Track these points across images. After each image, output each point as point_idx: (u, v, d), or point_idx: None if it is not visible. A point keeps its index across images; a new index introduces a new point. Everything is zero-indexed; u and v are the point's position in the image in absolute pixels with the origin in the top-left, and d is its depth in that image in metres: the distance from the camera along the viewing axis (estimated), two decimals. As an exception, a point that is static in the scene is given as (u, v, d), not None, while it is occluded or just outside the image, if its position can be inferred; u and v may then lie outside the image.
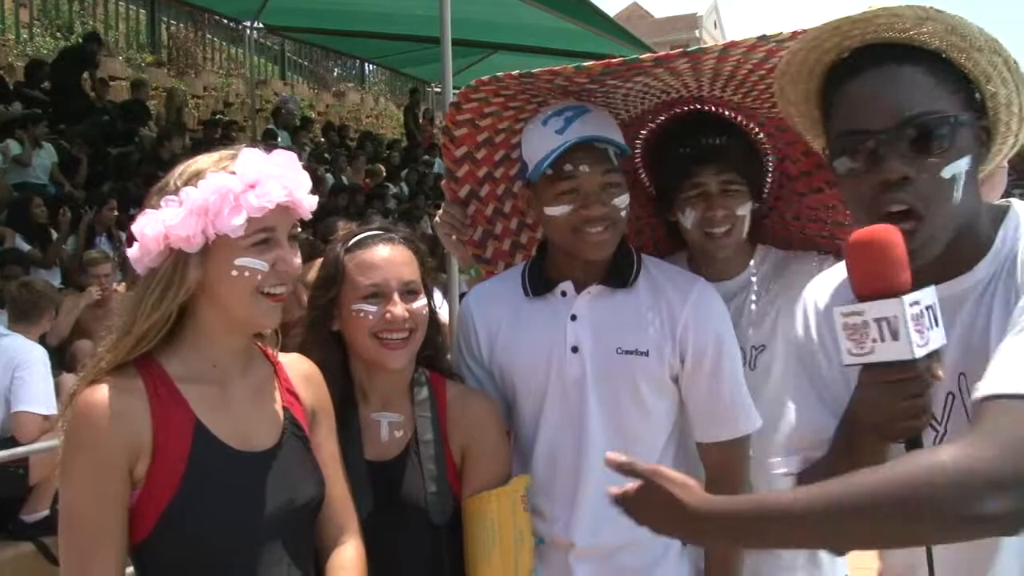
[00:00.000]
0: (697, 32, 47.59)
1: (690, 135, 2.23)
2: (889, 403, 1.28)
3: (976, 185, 1.39)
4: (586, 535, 2.07)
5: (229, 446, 1.65)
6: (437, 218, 2.42)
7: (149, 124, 12.72)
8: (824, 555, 2.22)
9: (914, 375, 1.27)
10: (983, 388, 1.23)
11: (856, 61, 1.38)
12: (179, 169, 1.67)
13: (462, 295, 6.19)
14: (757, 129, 2.30)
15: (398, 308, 1.95)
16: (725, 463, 2.10)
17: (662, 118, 2.32)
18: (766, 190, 2.38)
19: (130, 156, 10.69)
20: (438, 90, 17.17)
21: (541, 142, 2.04)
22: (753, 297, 2.30)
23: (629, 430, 2.06)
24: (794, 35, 1.69)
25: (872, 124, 1.34)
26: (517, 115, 2.22)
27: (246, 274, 1.63)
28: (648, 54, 1.93)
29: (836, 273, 1.60)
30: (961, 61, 1.35)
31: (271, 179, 1.63)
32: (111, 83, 13.16)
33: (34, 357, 5.12)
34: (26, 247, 7.92)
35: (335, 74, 22.00)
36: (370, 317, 1.95)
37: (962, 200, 1.35)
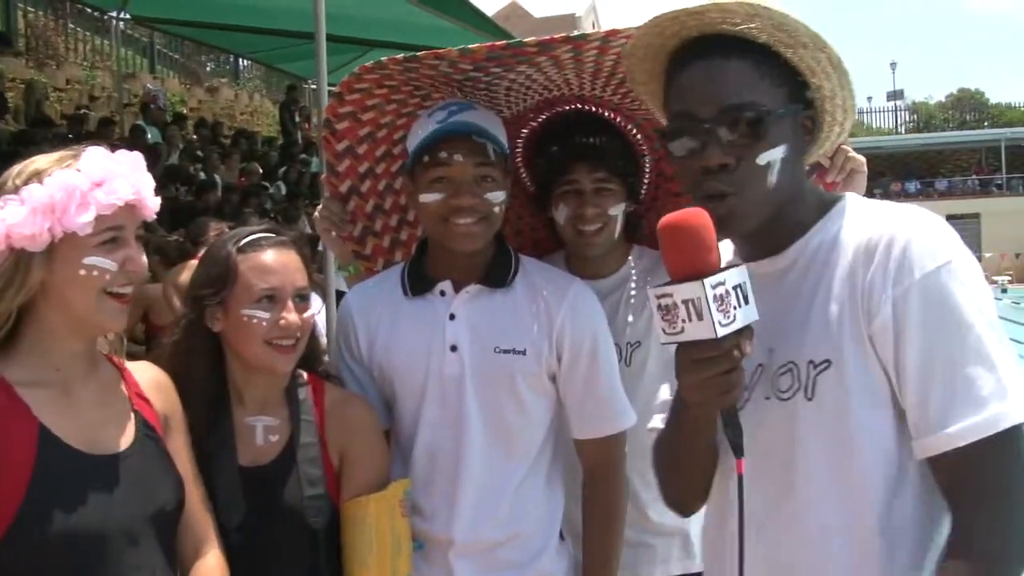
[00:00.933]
0: (575, 33, 48.31)
1: (567, 133, 2.28)
2: (701, 379, 1.35)
3: (796, 172, 1.49)
4: (465, 531, 2.07)
5: (78, 450, 1.61)
6: (317, 213, 2.39)
7: (6, 118, 12.13)
8: (699, 545, 2.25)
9: (721, 352, 1.33)
10: (946, 435, 1.34)
11: (691, 50, 1.46)
12: (16, 168, 1.64)
13: (339, 294, 6.11)
14: (635, 130, 2.35)
15: (292, 315, 1.92)
16: (602, 459, 2.14)
17: (543, 116, 2.35)
18: (643, 190, 2.43)
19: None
20: (315, 87, 16.94)
21: (423, 130, 2.05)
22: (630, 295, 2.36)
23: (507, 428, 2.08)
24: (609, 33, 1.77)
25: (698, 111, 1.43)
26: (400, 109, 2.22)
27: (94, 273, 1.62)
28: (532, 38, 1.92)
29: None
30: (788, 56, 1.43)
31: (118, 177, 1.62)
32: (-36, 74, 12.51)
33: None
34: None
35: (208, 69, 21.47)
36: (264, 323, 1.90)
37: (777, 184, 1.44)
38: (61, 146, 1.70)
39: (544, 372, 2.09)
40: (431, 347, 2.08)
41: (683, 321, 1.34)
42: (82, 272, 1.60)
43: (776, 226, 1.49)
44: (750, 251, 1.53)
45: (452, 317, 2.08)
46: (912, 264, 1.37)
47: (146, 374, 1.81)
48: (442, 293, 2.11)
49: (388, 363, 2.13)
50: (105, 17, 15.35)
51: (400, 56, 2.01)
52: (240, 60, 21.19)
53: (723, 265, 1.36)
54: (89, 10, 16.31)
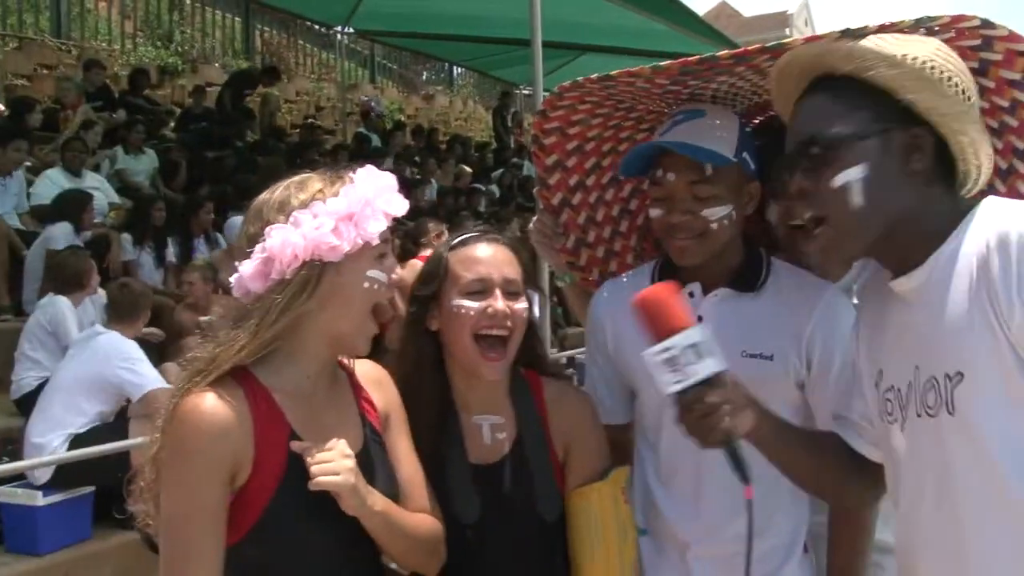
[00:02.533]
0: (788, 31, 46.81)
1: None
2: (687, 425, 1.54)
3: (900, 187, 1.50)
4: (706, 538, 2.06)
5: None
6: (531, 226, 2.41)
7: (249, 129, 13.03)
8: None
9: (688, 403, 1.52)
10: None
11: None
12: (293, 187, 1.72)
13: (556, 297, 6.15)
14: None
15: (500, 303, 1.94)
16: None
17: (758, 120, 2.25)
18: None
19: (226, 160, 10.97)
20: (527, 92, 17.21)
21: (646, 143, 2.06)
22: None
23: None
24: (881, 28, 1.66)
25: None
26: (606, 122, 2.21)
27: (375, 286, 1.70)
28: (726, 51, 1.87)
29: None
30: (867, 77, 1.50)
31: (389, 191, 1.72)
32: (208, 89, 13.53)
33: (132, 348, 5.44)
34: (135, 253, 8.16)
35: (424, 77, 22.22)
36: (471, 312, 1.93)
37: (866, 204, 1.48)
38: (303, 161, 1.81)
39: (792, 379, 2.03)
40: None
41: (662, 376, 1.54)
42: (365, 284, 1.69)
43: (903, 242, 1.52)
44: (889, 267, 1.58)
45: (699, 319, 2.01)
46: None
47: (369, 373, 1.88)
48: (691, 295, 2.07)
49: (632, 365, 2.10)
50: (331, 32, 16.18)
51: (595, 76, 2.01)
52: (454, 68, 21.82)
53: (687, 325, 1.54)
54: (316, 26, 17.25)
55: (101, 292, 6.39)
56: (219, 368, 1.62)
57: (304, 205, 1.67)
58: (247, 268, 1.66)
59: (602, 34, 12.71)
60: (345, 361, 1.85)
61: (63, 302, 6.10)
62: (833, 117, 1.50)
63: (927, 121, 1.50)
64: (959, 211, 1.52)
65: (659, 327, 1.55)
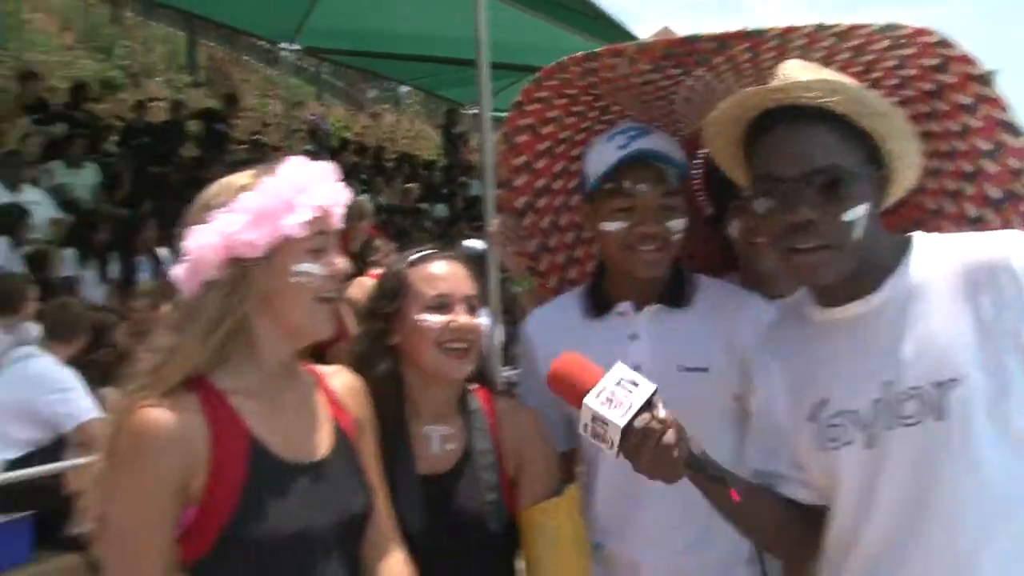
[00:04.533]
0: (752, 28, 47.48)
1: None
2: (648, 460, 1.56)
3: (875, 222, 1.61)
4: (654, 555, 2.07)
5: (284, 459, 1.66)
6: (491, 227, 2.40)
7: (187, 145, 12.88)
8: None
9: (642, 431, 1.55)
10: None
11: (774, 117, 1.59)
12: (217, 186, 1.70)
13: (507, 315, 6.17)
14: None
15: (463, 317, 1.98)
16: None
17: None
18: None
19: (168, 176, 10.81)
20: (474, 112, 17.24)
21: (603, 156, 2.06)
22: None
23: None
24: (852, 28, 1.74)
25: (783, 172, 1.56)
26: (579, 123, 2.21)
27: (305, 280, 1.66)
28: (708, 31, 1.89)
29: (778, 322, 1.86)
30: (863, 123, 1.56)
31: (321, 183, 1.68)
32: (150, 104, 13.34)
33: (64, 376, 5.22)
34: (76, 269, 8.01)
35: (371, 96, 22.16)
36: (435, 327, 1.97)
37: (862, 238, 1.56)
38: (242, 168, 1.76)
39: (728, 390, 2.05)
40: None
41: (606, 433, 1.57)
42: (293, 280, 1.65)
43: (859, 271, 1.59)
44: (833, 297, 1.64)
45: (634, 337, 2.08)
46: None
47: (342, 380, 1.86)
48: (621, 313, 2.11)
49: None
50: (277, 48, 16.08)
51: (580, 54, 2.01)
52: (401, 87, 21.80)
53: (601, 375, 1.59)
54: (262, 43, 17.12)
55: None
56: (167, 381, 1.59)
57: (222, 204, 1.64)
58: (178, 270, 1.65)
59: (548, 56, 12.52)
60: (312, 366, 1.83)
61: None
62: (842, 153, 1.55)
63: (885, 161, 1.61)
64: (896, 241, 1.65)
65: (583, 386, 1.61)
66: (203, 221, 1.64)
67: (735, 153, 1.71)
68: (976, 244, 1.60)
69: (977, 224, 1.95)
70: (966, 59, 1.79)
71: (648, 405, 1.57)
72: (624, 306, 2.11)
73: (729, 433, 2.06)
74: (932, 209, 1.91)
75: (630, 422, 1.55)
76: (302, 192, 1.64)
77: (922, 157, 1.65)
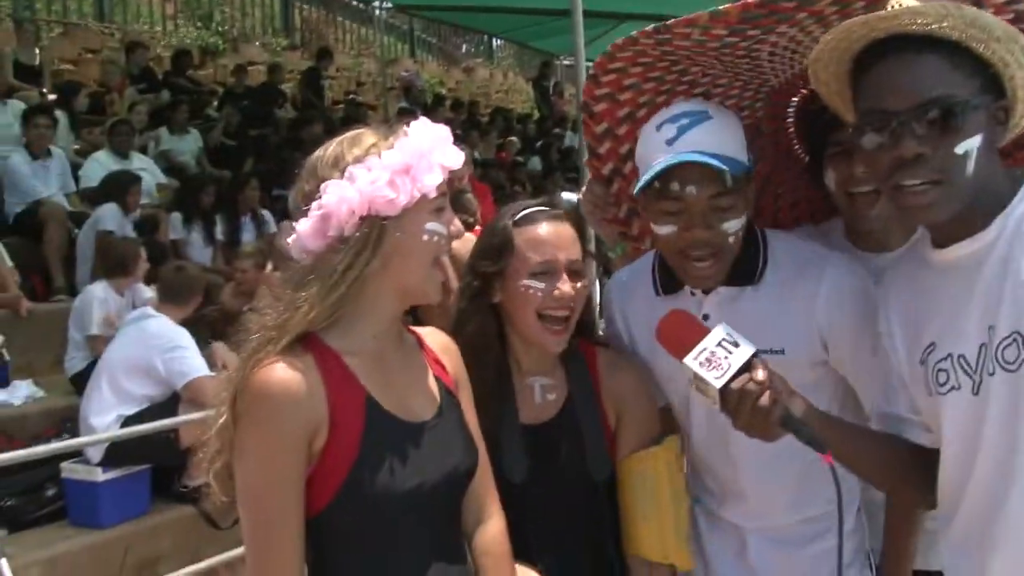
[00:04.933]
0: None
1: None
2: (743, 421, 1.59)
3: (992, 159, 1.54)
4: (752, 518, 2.09)
5: (398, 417, 1.68)
6: (580, 196, 2.37)
7: (286, 106, 13.10)
8: None
9: (736, 394, 1.58)
10: None
11: (883, 48, 1.52)
12: (345, 143, 1.69)
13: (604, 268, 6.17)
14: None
15: (566, 286, 1.96)
16: None
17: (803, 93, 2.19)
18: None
19: (268, 138, 11.03)
20: (568, 63, 17.07)
21: (650, 151, 1.94)
22: None
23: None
24: None
25: (892, 105, 1.50)
26: (658, 87, 2.12)
27: (435, 239, 1.67)
28: None
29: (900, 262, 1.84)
30: (980, 50, 1.48)
31: (445, 143, 1.68)
32: (249, 68, 13.59)
33: (179, 335, 5.45)
34: (183, 232, 8.28)
35: (463, 50, 22.15)
36: (539, 294, 1.96)
37: (975, 173, 1.49)
38: (341, 131, 1.76)
39: (807, 365, 1.98)
40: None
41: (703, 388, 1.62)
42: (424, 237, 1.66)
43: (972, 209, 1.53)
44: (945, 235, 1.59)
45: (706, 318, 1.99)
46: None
47: (437, 339, 1.87)
48: (692, 293, 2.05)
49: (647, 362, 2.13)
50: (369, 7, 16.18)
51: (651, 28, 1.93)
52: (494, 40, 21.70)
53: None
54: (355, 2, 17.26)
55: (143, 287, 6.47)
56: (288, 334, 1.60)
57: (358, 160, 1.63)
58: (304, 226, 1.63)
59: (643, 1, 12.54)
60: (410, 327, 1.85)
61: (93, 290, 6.22)
62: (955, 82, 1.48)
63: (1006, 89, 1.53)
64: (1014, 177, 1.58)
65: (686, 345, 1.64)
66: (333, 177, 1.64)
67: (842, 90, 1.64)
68: None
69: None
70: None
71: (747, 367, 1.60)
72: (692, 290, 2.05)
73: (819, 398, 1.95)
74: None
75: (727, 383, 1.58)
76: (434, 151, 1.65)
77: None
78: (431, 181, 1.63)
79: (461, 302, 2.05)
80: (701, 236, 1.89)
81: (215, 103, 12.39)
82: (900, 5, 1.53)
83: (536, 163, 14.34)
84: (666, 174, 1.87)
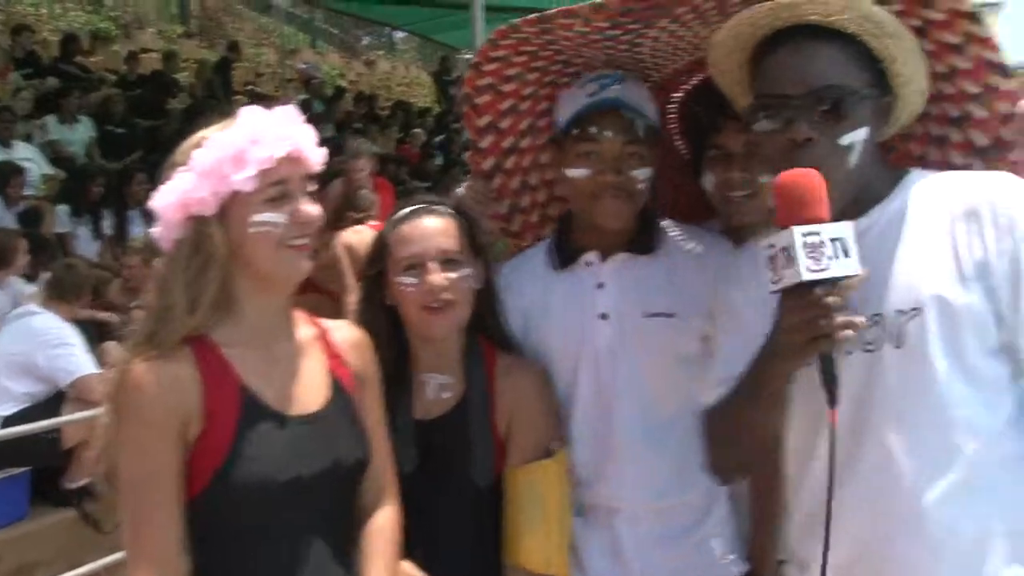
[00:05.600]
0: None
1: (715, 94, 2.17)
2: (795, 322, 1.44)
3: (874, 150, 1.61)
4: (629, 498, 2.10)
5: (275, 410, 1.68)
6: (461, 191, 2.37)
7: (180, 96, 12.78)
8: None
9: (811, 298, 1.41)
10: None
11: (783, 37, 1.57)
12: (187, 142, 1.70)
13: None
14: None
15: (435, 276, 1.98)
16: None
17: (696, 79, 2.24)
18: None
19: (161, 129, 10.74)
20: (469, 56, 17.07)
21: (573, 102, 2.06)
22: None
23: (662, 393, 2.08)
24: None
25: (787, 90, 1.55)
26: (542, 78, 2.16)
27: (265, 229, 1.65)
28: None
29: None
30: (874, 44, 1.55)
31: (273, 132, 1.66)
32: (142, 55, 13.21)
33: (66, 332, 5.28)
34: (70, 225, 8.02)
35: (365, 43, 21.98)
36: (412, 289, 1.99)
37: (857, 165, 1.56)
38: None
39: (694, 334, 2.05)
40: (583, 318, 2.10)
41: (782, 269, 1.44)
42: (252, 230, 1.65)
43: (859, 197, 1.59)
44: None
45: (600, 286, 2.10)
46: (1018, 226, 1.52)
47: (344, 333, 1.87)
48: (588, 264, 2.12)
49: (542, 336, 2.15)
50: (269, -4, 15.91)
51: (533, 16, 1.95)
52: (395, 33, 21.59)
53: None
54: (254, -10, 16.94)
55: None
56: (165, 344, 1.63)
57: (185, 160, 1.65)
58: (155, 230, 1.68)
59: (544, -2, 12.63)
60: (316, 319, 1.85)
61: None
62: (849, 73, 1.53)
63: (893, 85, 1.59)
64: (894, 173, 1.65)
65: (798, 211, 1.44)
66: (169, 179, 1.66)
67: (742, 77, 1.70)
68: (965, 182, 1.61)
69: None
70: None
71: (839, 280, 1.43)
72: (590, 256, 2.12)
73: (696, 375, 2.03)
74: (917, 155, 1.87)
75: (813, 283, 1.41)
76: (255, 143, 1.63)
77: (929, 82, 1.62)
78: (243, 176, 1.62)
79: (360, 304, 2.10)
80: (614, 179, 2.01)
81: (105, 91, 12.00)
82: None
83: (437, 158, 14.31)
84: (586, 120, 2.01)
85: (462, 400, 2.04)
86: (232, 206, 1.64)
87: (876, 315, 1.55)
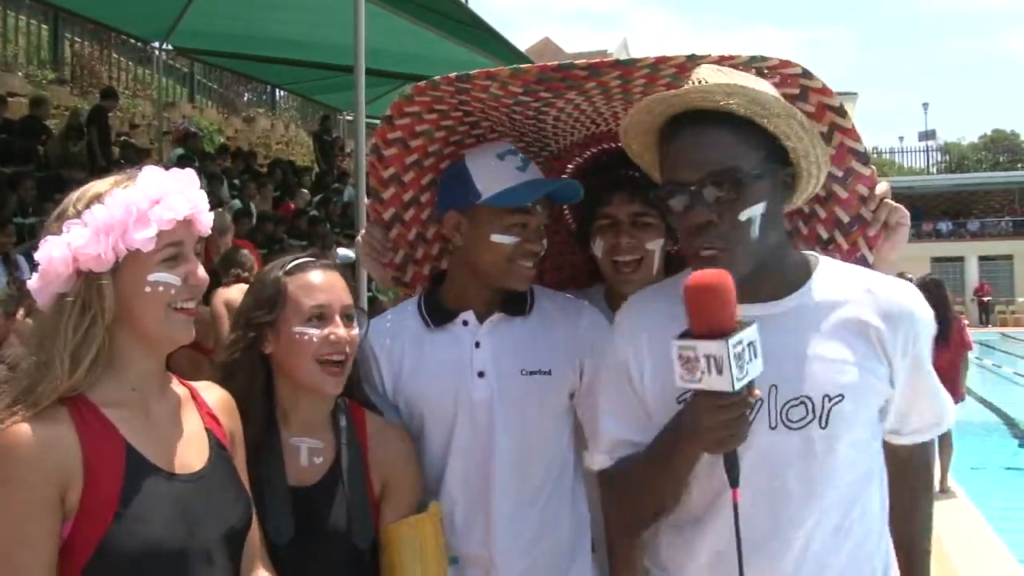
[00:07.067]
0: (625, 57, 48.29)
1: (608, 166, 2.29)
2: (718, 422, 1.53)
3: (778, 225, 1.73)
4: (502, 549, 2.14)
5: (163, 469, 1.64)
6: (359, 238, 2.42)
7: (49, 143, 12.36)
8: None
9: (734, 402, 1.51)
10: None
11: (678, 123, 1.68)
12: (76, 194, 1.66)
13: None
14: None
15: (341, 330, 1.98)
16: None
17: (589, 152, 2.39)
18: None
19: (27, 176, 10.36)
20: (349, 118, 17.11)
21: (501, 173, 2.14)
22: None
23: (535, 447, 2.17)
24: (721, 59, 1.80)
25: (684, 177, 1.65)
26: (448, 137, 2.24)
27: (160, 289, 1.64)
28: (583, 60, 1.94)
29: (652, 298, 1.89)
30: (763, 124, 1.64)
31: (175, 193, 1.65)
32: (9, 99, 12.76)
33: None
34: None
35: (245, 99, 21.75)
36: (314, 339, 1.96)
37: (760, 237, 1.66)
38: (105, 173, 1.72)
39: (566, 390, 2.18)
40: (460, 375, 2.16)
41: (702, 372, 1.50)
42: (147, 289, 1.63)
43: (771, 275, 1.72)
44: (751, 293, 1.68)
45: (478, 345, 2.18)
46: (922, 334, 1.77)
47: (213, 394, 1.85)
48: (465, 323, 2.20)
49: (417, 393, 2.19)
50: (148, 47, 15.62)
51: (453, 75, 2.02)
52: (277, 91, 21.46)
53: (740, 320, 1.52)
54: (133, 40, 16.59)
55: None
56: (39, 402, 1.55)
57: (78, 213, 1.62)
58: (32, 283, 1.61)
59: (425, 64, 12.78)
60: (183, 380, 1.81)
61: None
62: (739, 155, 1.64)
63: (792, 161, 1.70)
64: (801, 259, 1.80)
65: (720, 318, 1.50)
66: (57, 232, 1.61)
67: (652, 159, 1.79)
68: (882, 285, 1.76)
69: (828, 245, 2.08)
70: (824, 90, 1.92)
71: (752, 381, 1.53)
72: (467, 315, 2.20)
73: (567, 429, 2.22)
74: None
75: (738, 389, 1.49)
76: (157, 203, 1.62)
77: (827, 155, 1.75)
78: (143, 236, 1.60)
79: (231, 353, 2.02)
80: (537, 248, 2.17)
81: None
82: (700, 81, 1.68)
83: (315, 217, 14.20)
84: (527, 195, 2.12)
85: (335, 465, 2.02)
86: (127, 264, 1.61)
87: (804, 396, 1.68)
